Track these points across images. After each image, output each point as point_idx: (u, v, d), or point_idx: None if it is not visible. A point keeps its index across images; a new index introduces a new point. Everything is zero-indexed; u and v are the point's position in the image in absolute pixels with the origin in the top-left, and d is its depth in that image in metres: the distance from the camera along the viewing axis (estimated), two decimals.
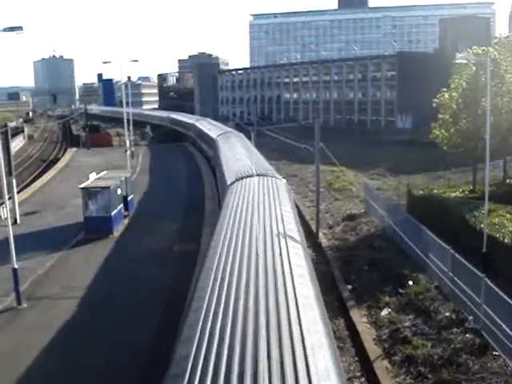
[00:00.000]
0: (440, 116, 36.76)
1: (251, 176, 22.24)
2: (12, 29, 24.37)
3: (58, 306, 20.19)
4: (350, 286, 21.84)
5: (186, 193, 42.49)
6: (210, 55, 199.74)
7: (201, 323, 8.40)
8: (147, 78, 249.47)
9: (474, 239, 21.86)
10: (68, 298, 20.78)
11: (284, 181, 24.10)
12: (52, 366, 15.69)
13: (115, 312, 19.40)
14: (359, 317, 19.03)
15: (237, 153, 34.65)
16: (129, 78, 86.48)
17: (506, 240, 21.09)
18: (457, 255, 18.61)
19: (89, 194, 30.20)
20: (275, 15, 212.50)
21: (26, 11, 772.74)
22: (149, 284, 21.99)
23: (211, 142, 49.31)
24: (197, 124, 69.48)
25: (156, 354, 15.50)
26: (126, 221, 33.01)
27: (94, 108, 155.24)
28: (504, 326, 14.87)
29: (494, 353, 15.23)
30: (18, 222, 32.21)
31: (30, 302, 20.45)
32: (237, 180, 22.76)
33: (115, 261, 25.71)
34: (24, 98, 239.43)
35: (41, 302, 20.62)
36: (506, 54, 34.89)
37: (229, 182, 23.29)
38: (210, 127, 60.97)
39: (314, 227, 30.10)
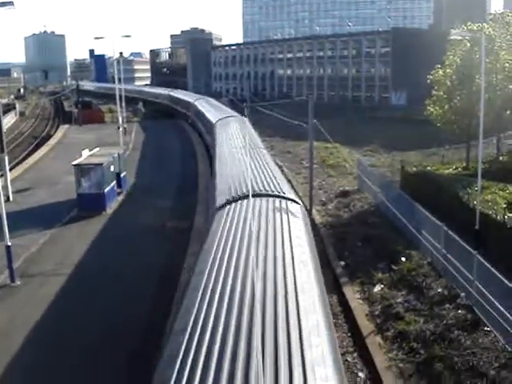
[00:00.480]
0: (434, 93, 36.72)
1: (248, 197, 14.22)
2: (2, 4, 24.02)
3: (52, 282, 20.18)
4: (343, 263, 21.91)
5: (179, 170, 42.34)
6: (202, 30, 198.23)
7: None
8: (139, 53, 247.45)
9: (467, 216, 21.94)
10: (61, 275, 20.76)
11: (299, 204, 15.56)
12: (45, 340, 15.78)
13: (108, 287, 19.45)
14: (352, 293, 19.14)
15: (236, 148, 25.12)
16: (121, 53, 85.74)
17: (498, 217, 21.18)
18: (450, 232, 18.69)
19: (81, 170, 30.09)
20: None
21: None
22: (142, 261, 21.98)
23: (210, 127, 43.06)
24: (196, 104, 63.60)
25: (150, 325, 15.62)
26: (119, 198, 32.92)
27: (87, 84, 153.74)
28: (496, 302, 14.98)
29: (486, 328, 15.37)
30: (11, 199, 32.03)
31: (23, 280, 20.42)
32: (228, 203, 14.63)
33: (108, 238, 25.68)
34: (15, 75, 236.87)
35: (34, 279, 20.62)
36: (501, 31, 34.77)
37: (218, 205, 14.96)
38: (210, 109, 54.86)
39: (307, 203, 30.11)
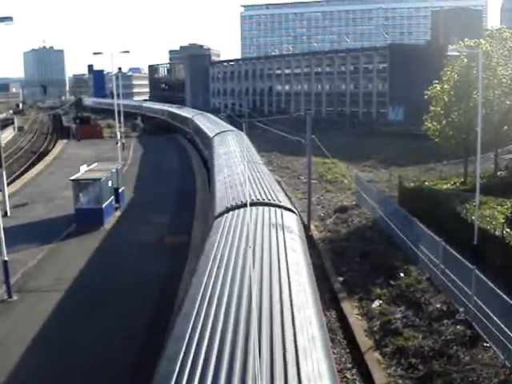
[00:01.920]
0: (432, 108, 36.84)
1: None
2: (2, 19, 24.14)
3: (49, 298, 20.07)
4: (341, 278, 21.85)
5: (177, 185, 42.32)
6: (201, 46, 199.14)
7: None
8: (138, 69, 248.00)
9: (465, 231, 21.93)
10: (59, 291, 20.66)
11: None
12: (42, 356, 15.64)
13: (106, 304, 19.35)
14: (350, 308, 19.06)
15: None
16: (119, 69, 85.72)
17: (496, 232, 21.17)
18: (448, 247, 18.66)
19: (79, 185, 30.10)
20: (267, 6, 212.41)
21: (15, 0, 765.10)
22: (139, 276, 21.90)
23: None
24: (215, 140, 37.46)
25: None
26: (117, 213, 32.89)
27: (87, 100, 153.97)
28: (494, 317, 14.93)
29: (485, 344, 15.30)
30: (9, 214, 32.00)
31: (20, 295, 20.32)
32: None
33: (106, 253, 25.61)
34: (14, 90, 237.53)
35: (32, 295, 20.52)
36: (498, 47, 34.95)
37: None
38: (226, 155, 29.40)
39: (305, 219, 30.08)
